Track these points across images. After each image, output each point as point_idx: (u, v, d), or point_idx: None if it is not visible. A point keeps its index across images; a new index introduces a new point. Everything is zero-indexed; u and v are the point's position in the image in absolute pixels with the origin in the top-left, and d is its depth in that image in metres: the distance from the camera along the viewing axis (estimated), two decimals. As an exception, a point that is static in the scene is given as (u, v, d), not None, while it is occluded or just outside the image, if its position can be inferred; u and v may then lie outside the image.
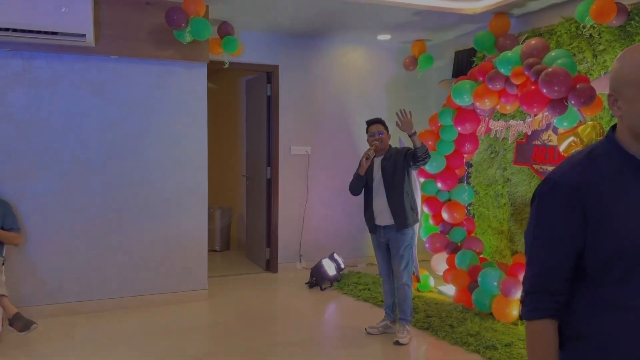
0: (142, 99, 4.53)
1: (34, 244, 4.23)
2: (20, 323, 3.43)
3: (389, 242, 3.88)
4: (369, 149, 3.85)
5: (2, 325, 3.71)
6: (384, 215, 3.85)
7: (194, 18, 4.24)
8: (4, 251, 3.96)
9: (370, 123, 3.95)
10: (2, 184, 4.12)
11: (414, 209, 3.86)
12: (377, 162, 3.88)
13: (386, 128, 3.92)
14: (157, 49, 4.46)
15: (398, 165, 3.79)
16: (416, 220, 3.89)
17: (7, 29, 3.82)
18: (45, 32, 3.91)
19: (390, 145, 3.94)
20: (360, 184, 3.93)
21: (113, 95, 4.44)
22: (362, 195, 4.00)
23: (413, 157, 3.66)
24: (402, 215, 3.78)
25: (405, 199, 3.78)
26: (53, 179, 4.28)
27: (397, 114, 3.79)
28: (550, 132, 4.38)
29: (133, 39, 4.37)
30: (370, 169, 3.89)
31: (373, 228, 3.95)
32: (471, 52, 5.28)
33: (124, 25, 4.32)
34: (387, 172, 3.81)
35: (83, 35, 3.98)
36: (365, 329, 4.03)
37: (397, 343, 3.79)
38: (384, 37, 5.80)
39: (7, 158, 4.14)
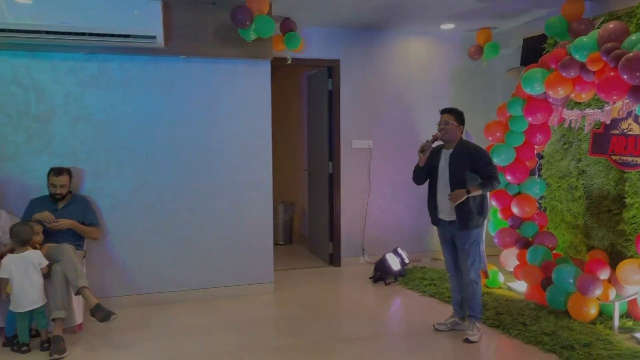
0: (209, 97, 4.65)
1: (112, 238, 4.45)
2: (101, 313, 3.61)
3: (454, 237, 3.79)
4: (426, 140, 3.76)
5: (84, 315, 3.93)
6: (447, 211, 3.75)
7: (258, 16, 4.29)
8: (84, 245, 4.18)
9: (441, 112, 3.82)
10: (82, 181, 4.36)
11: (480, 212, 3.68)
12: (445, 154, 3.76)
13: (458, 120, 3.74)
14: (222, 48, 4.55)
15: (466, 166, 3.64)
16: (480, 225, 3.71)
17: (83, 34, 4.01)
18: (119, 35, 4.07)
19: (463, 140, 3.77)
20: (421, 175, 3.85)
21: (181, 94, 4.58)
22: (426, 186, 3.91)
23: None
24: (466, 216, 3.64)
25: (470, 201, 3.62)
26: (128, 175, 4.48)
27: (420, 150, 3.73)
28: (630, 120, 4.12)
29: (200, 38, 4.48)
30: (436, 160, 3.78)
31: (436, 221, 3.86)
32: (541, 38, 5.04)
33: (191, 25, 4.44)
34: (454, 168, 3.68)
35: (154, 37, 4.12)
36: (433, 325, 3.96)
37: (466, 340, 3.70)
38: (447, 26, 5.65)
39: (87, 156, 4.37)
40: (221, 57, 4.60)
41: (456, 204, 3.61)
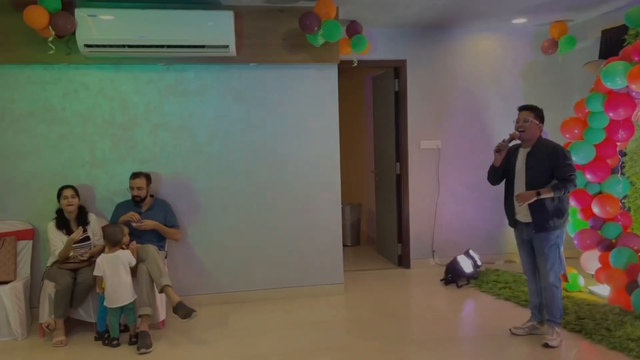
0: (279, 102, 4.77)
1: (191, 239, 4.67)
2: (183, 311, 3.80)
3: (532, 240, 3.66)
4: (503, 139, 3.66)
5: (167, 312, 4.15)
6: (523, 212, 3.63)
7: (326, 21, 4.36)
8: (165, 246, 4.42)
9: (519, 109, 3.70)
10: (162, 185, 4.60)
11: (559, 215, 3.53)
12: (523, 153, 3.64)
13: (537, 117, 3.61)
14: (291, 54, 4.66)
15: (545, 166, 3.50)
16: (559, 227, 3.55)
17: (161, 46, 4.24)
18: (194, 46, 4.27)
19: (542, 138, 3.63)
20: (497, 175, 3.77)
21: (253, 100, 4.73)
22: (501, 187, 3.82)
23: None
24: (543, 218, 3.50)
25: (548, 202, 3.48)
26: (204, 179, 4.68)
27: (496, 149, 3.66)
28: None
29: (269, 45, 4.61)
30: (512, 159, 3.68)
31: (512, 222, 3.76)
32: (621, 29, 4.78)
33: (261, 33, 4.58)
34: (531, 167, 3.56)
35: (227, 46, 4.29)
36: (510, 330, 3.85)
37: (546, 345, 3.57)
38: (519, 20, 5.48)
39: (166, 162, 4.61)
40: (290, 63, 4.71)
41: (522, 204, 3.51)
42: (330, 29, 4.37)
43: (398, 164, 5.89)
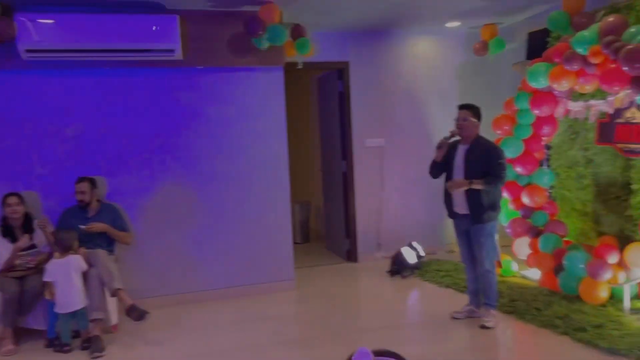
0: (227, 105, 4.86)
1: (140, 242, 4.68)
2: (136, 313, 3.83)
3: (469, 230, 3.95)
4: (444, 136, 3.92)
5: (119, 316, 4.16)
6: (461, 205, 3.90)
7: (270, 25, 4.49)
8: (115, 250, 4.41)
9: (458, 108, 3.96)
10: (110, 189, 4.58)
11: (493, 208, 3.83)
12: (462, 149, 3.90)
13: (475, 115, 3.88)
14: (237, 57, 4.76)
15: (481, 163, 3.78)
16: (493, 219, 3.85)
17: (106, 50, 4.24)
18: (139, 50, 4.30)
19: (479, 136, 3.90)
20: (438, 169, 4.02)
21: (200, 103, 4.80)
22: (441, 181, 4.07)
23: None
24: (478, 211, 3.79)
25: (483, 196, 3.76)
26: (152, 182, 4.71)
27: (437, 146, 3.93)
28: (634, 109, 4.25)
29: (215, 49, 4.69)
30: (452, 155, 3.92)
31: (452, 214, 4.02)
32: (545, 32, 5.16)
33: (206, 37, 4.65)
34: (469, 163, 3.82)
35: (172, 50, 4.34)
36: (451, 314, 4.13)
37: (483, 327, 3.86)
38: (452, 24, 5.81)
39: (113, 166, 4.60)
40: (236, 66, 4.81)
41: (454, 191, 3.79)
42: (275, 32, 4.51)
43: (344, 161, 6.10)
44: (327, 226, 6.87)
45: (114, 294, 3.90)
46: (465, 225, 3.94)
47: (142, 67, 4.58)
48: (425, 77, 6.17)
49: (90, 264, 3.94)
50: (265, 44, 4.61)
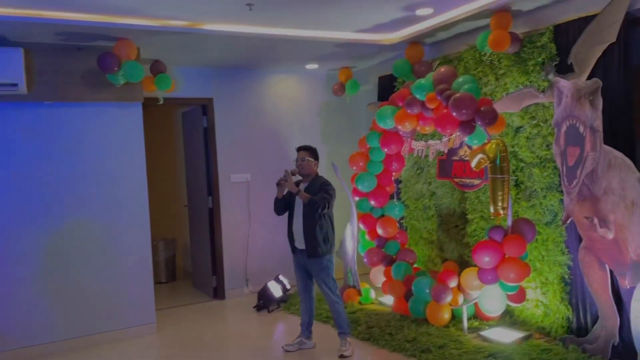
0: (78, 141, 4.61)
1: (-25, 294, 4.20)
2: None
3: (307, 265, 4.13)
4: (283, 175, 4.07)
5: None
6: (300, 239, 4.09)
7: (126, 62, 4.39)
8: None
9: (297, 149, 4.23)
10: (-63, 236, 4.09)
11: (326, 241, 4.04)
12: (302, 187, 4.13)
13: (313, 155, 4.16)
14: (91, 92, 4.57)
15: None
16: (328, 252, 4.06)
17: None
18: (-24, 83, 3.95)
19: (318, 175, 4.18)
20: (280, 206, 4.20)
21: (49, 140, 4.49)
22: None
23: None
24: (313, 244, 4.00)
25: (317, 231, 3.99)
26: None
27: (278, 182, 4.07)
28: (466, 148, 4.82)
29: (66, 83, 4.46)
30: (293, 193, 4.07)
31: (293, 249, 4.19)
32: (393, 77, 5.69)
33: (56, 71, 4.41)
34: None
35: (15, 85, 4.06)
36: (282, 347, 4.24)
37: (342, 357, 4.03)
38: (311, 66, 6.14)
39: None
40: (90, 101, 4.60)
41: (284, 182, 3.98)
42: (131, 69, 4.42)
43: (210, 197, 6.06)
44: (193, 263, 6.72)
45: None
46: (303, 259, 4.12)
47: (-21, 100, 4.20)
48: (289, 114, 6.41)
49: None
50: (121, 80, 4.50)
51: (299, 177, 4.20)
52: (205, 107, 6.00)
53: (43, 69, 4.36)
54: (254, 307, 5.52)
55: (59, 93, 4.44)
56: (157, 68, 5.18)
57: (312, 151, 4.19)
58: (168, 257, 7.04)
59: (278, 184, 4.09)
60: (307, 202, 3.97)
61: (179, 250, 7.41)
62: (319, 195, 3.98)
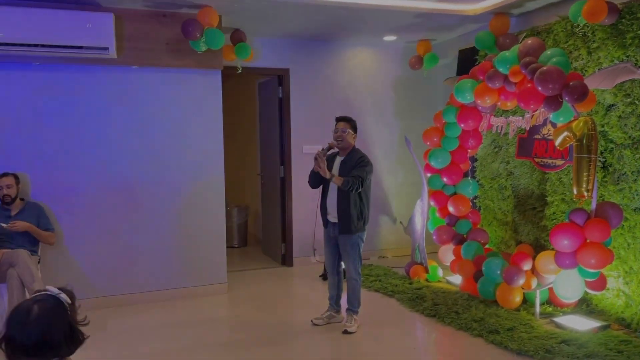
0: (162, 105, 4.83)
1: (67, 243, 4.56)
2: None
3: (338, 238, 4.05)
4: (322, 148, 3.98)
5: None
6: (333, 214, 4.02)
7: (208, 29, 4.51)
8: (39, 250, 4.28)
9: (336, 120, 4.07)
10: (36, 189, 4.45)
11: (360, 218, 3.94)
12: (338, 160, 4.02)
13: (352, 127, 4.01)
14: (174, 58, 4.74)
15: (351, 173, 3.88)
16: (361, 229, 3.97)
17: (35, 45, 4.13)
18: (71, 47, 4.21)
19: (355, 148, 4.02)
20: (316, 180, 4.08)
21: (134, 103, 4.74)
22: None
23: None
24: (347, 220, 3.90)
25: (352, 208, 3.88)
26: (82, 182, 4.60)
27: (315, 157, 3.88)
28: (549, 126, 4.57)
29: (152, 49, 4.65)
30: (330, 166, 3.97)
31: (325, 222, 4.14)
32: (474, 50, 5.46)
33: (143, 37, 4.61)
34: (342, 174, 3.92)
35: (106, 48, 4.28)
36: (312, 321, 4.19)
37: (345, 332, 3.97)
38: (389, 38, 6.02)
39: (40, 164, 4.47)
40: (173, 67, 4.78)
41: (316, 164, 3.84)
42: (213, 37, 4.53)
43: (282, 167, 6.17)
44: (264, 230, 6.90)
45: (35, 295, 3.78)
46: (334, 232, 4.05)
47: (74, 63, 4.47)
48: (363, 87, 6.35)
49: (10, 264, 3.81)
50: (203, 47, 4.63)
51: (335, 150, 4.07)
52: (281, 78, 6.06)
53: (131, 34, 4.57)
54: (320, 275, 5.60)
55: (145, 58, 4.65)
56: (237, 37, 5.29)
57: (352, 123, 4.04)
58: (240, 223, 7.27)
59: (315, 158, 3.92)
60: (340, 186, 3.84)
61: (251, 217, 7.64)
62: (353, 174, 3.84)
